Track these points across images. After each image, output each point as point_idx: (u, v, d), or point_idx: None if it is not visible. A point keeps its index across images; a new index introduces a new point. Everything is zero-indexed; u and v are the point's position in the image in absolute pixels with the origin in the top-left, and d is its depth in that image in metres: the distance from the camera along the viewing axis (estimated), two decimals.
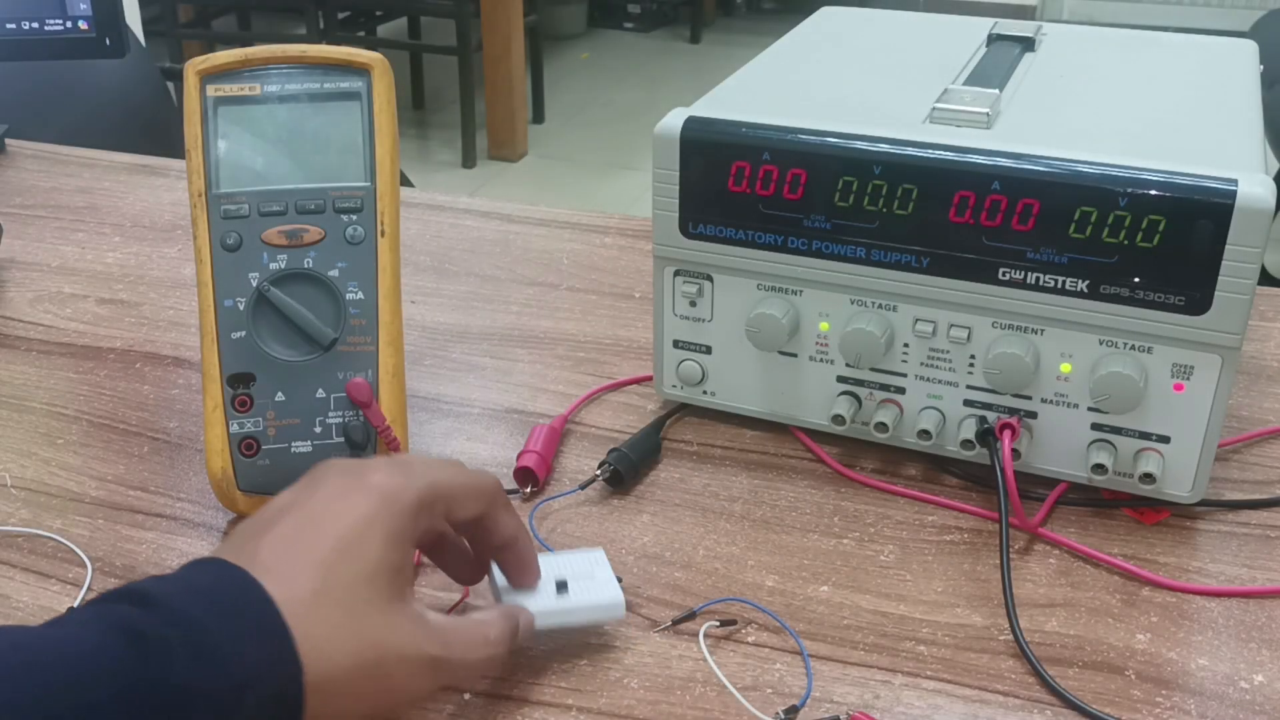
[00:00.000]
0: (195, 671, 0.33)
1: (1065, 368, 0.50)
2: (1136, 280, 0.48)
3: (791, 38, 0.66)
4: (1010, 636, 0.46)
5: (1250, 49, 0.64)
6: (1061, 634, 0.46)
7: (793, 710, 0.42)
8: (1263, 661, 0.45)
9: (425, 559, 0.47)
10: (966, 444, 0.53)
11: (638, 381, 0.63)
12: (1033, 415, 0.52)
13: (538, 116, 3.13)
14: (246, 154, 0.51)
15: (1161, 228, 0.47)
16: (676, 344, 0.57)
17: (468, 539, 0.45)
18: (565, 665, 0.45)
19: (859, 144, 0.50)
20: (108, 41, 0.84)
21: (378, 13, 3.21)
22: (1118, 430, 0.51)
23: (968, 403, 0.53)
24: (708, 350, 0.57)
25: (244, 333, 0.50)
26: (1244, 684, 0.44)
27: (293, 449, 0.50)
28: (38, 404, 0.62)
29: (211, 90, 0.51)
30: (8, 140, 0.97)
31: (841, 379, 0.55)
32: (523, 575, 0.45)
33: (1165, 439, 0.50)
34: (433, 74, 3.26)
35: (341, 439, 0.50)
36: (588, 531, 0.52)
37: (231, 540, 0.39)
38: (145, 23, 2.06)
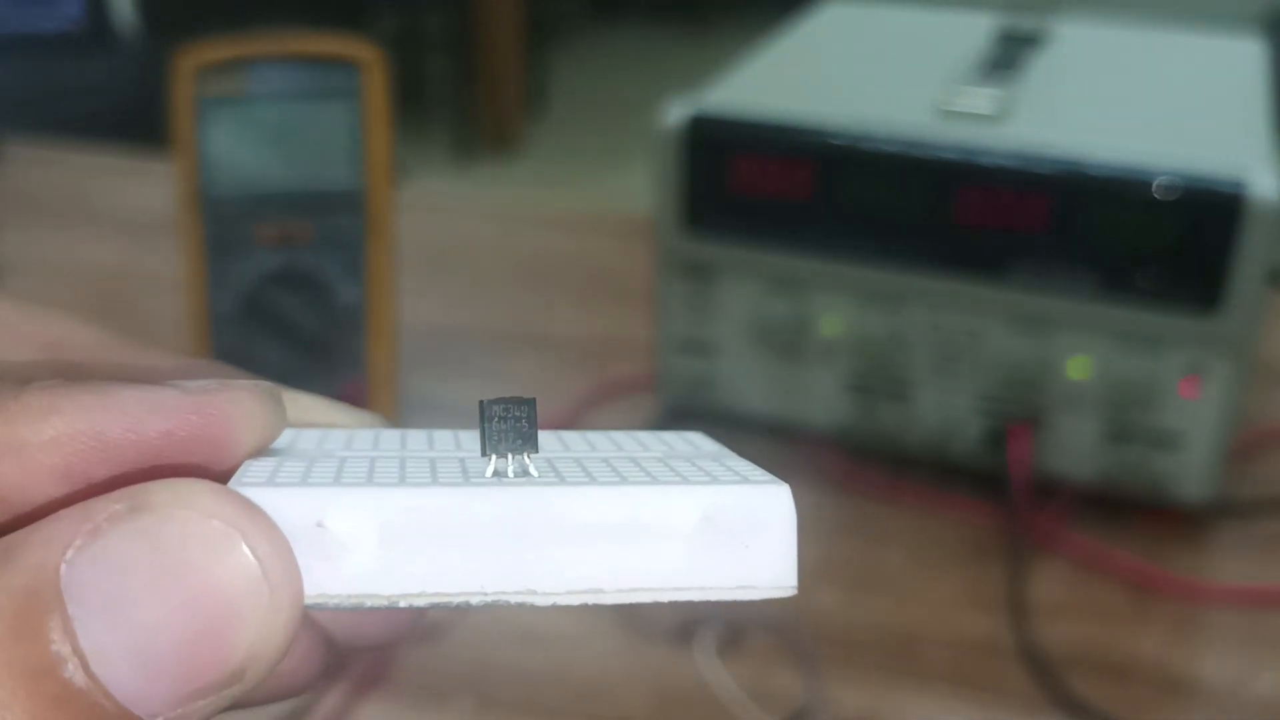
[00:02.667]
0: None
1: (1075, 369, 0.50)
2: (1147, 279, 0.47)
3: (797, 30, 0.66)
4: (1019, 641, 0.45)
5: (1258, 50, 0.64)
6: (1071, 638, 0.45)
7: (797, 718, 0.41)
8: (1274, 665, 0.44)
9: None
10: (975, 446, 0.52)
11: (639, 383, 0.62)
12: (1042, 417, 0.51)
13: (538, 109, 3.12)
14: (237, 151, 0.50)
15: (1172, 226, 0.46)
16: (679, 345, 0.56)
17: None
18: (562, 674, 0.44)
19: (866, 140, 0.50)
20: (99, 40, 0.84)
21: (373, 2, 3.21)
22: (1128, 432, 0.50)
23: (977, 404, 0.52)
24: (711, 351, 0.56)
25: (234, 335, 0.49)
26: (1255, 688, 0.43)
27: None
28: None
29: (202, 87, 0.50)
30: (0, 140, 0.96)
31: (848, 381, 0.54)
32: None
33: (1176, 440, 0.49)
34: (429, 66, 3.26)
35: None
36: None
37: None
38: (140, 20, 2.05)
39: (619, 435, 0.20)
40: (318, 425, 0.21)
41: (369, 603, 0.15)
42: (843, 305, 0.52)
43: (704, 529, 0.16)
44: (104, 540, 0.14)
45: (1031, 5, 0.70)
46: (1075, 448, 0.51)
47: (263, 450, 0.17)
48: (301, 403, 0.21)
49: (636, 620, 0.46)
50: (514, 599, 0.15)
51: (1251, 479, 0.55)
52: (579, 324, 0.68)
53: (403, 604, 0.15)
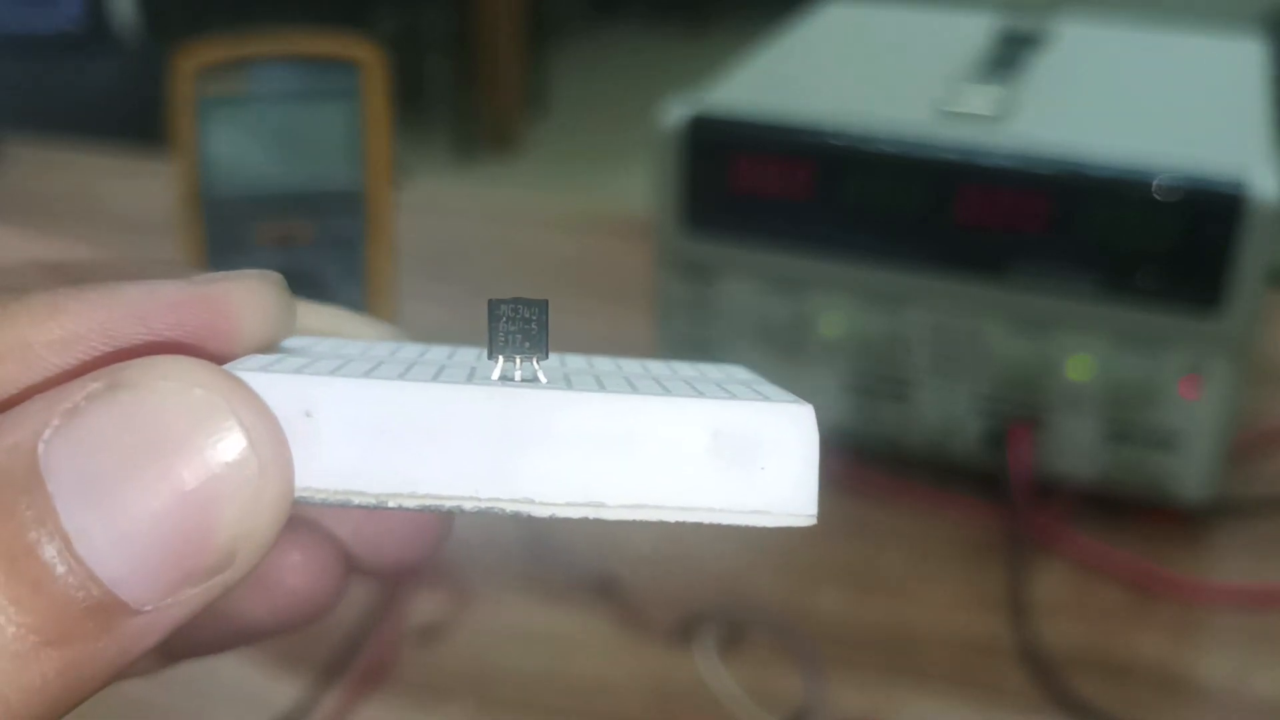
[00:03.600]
0: None
1: (1075, 369, 0.50)
2: (1146, 279, 0.47)
3: (797, 30, 0.66)
4: (1019, 641, 0.45)
5: (1258, 49, 0.64)
6: (1071, 638, 0.45)
7: (797, 718, 0.41)
8: (1274, 665, 0.44)
9: None
10: (975, 446, 0.52)
11: None
12: (1042, 417, 0.51)
13: (538, 109, 3.12)
14: (237, 151, 0.50)
15: (1171, 226, 0.46)
16: (679, 345, 0.56)
17: None
18: (562, 674, 0.44)
19: (866, 140, 0.50)
20: (99, 40, 0.84)
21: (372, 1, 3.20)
22: (1128, 432, 0.50)
23: (977, 404, 0.52)
24: (711, 351, 0.56)
25: None
26: (1255, 688, 0.43)
27: None
28: None
29: (202, 87, 0.50)
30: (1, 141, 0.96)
31: (848, 381, 0.54)
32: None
33: (1176, 440, 0.49)
34: (429, 66, 3.26)
35: None
36: (585, 535, 0.51)
37: None
38: (140, 20, 2.06)
39: (652, 363, 0.19)
40: (337, 336, 0.19)
41: (356, 500, 0.14)
42: (843, 305, 0.52)
43: (716, 446, 0.15)
44: (83, 418, 0.13)
45: (1031, 5, 0.70)
46: (1075, 448, 0.51)
47: (269, 348, 0.16)
48: (323, 313, 0.20)
49: (636, 620, 0.46)
50: (509, 507, 0.14)
51: (1251, 479, 0.55)
52: (579, 324, 0.68)
53: (391, 505, 0.14)
